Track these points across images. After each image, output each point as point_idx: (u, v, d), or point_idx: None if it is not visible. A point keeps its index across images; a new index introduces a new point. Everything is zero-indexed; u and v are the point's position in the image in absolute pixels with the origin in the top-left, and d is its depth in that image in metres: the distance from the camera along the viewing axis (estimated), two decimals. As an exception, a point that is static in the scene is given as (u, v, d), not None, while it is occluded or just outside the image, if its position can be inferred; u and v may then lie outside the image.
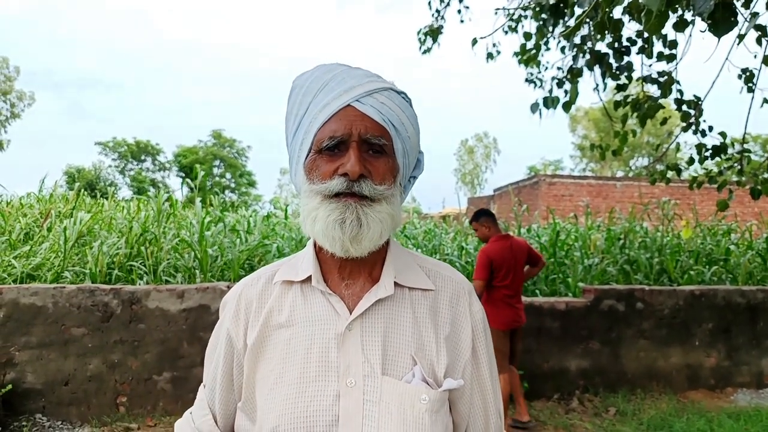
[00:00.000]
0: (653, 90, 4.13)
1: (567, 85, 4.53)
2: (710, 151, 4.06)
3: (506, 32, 5.33)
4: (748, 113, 3.81)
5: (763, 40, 3.44)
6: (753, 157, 4.32)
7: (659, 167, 4.98)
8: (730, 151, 4.09)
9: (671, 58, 4.02)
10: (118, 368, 4.24)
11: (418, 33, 6.00)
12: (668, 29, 3.39)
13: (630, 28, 4.39)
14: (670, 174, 4.55)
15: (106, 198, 8.27)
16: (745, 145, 4.12)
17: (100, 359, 4.22)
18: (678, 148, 4.98)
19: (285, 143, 0.98)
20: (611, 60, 4.25)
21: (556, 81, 4.67)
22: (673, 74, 3.97)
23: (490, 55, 5.62)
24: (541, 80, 5.24)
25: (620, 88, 4.34)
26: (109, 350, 4.23)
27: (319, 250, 0.94)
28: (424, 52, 6.04)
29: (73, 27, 71.41)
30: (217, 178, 37.43)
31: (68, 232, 5.02)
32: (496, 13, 5.28)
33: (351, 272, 0.93)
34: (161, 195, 5.82)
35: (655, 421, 4.50)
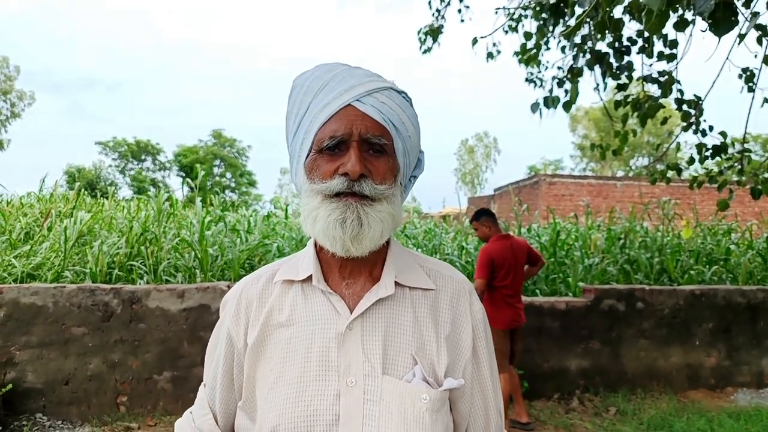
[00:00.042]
0: (654, 90, 4.13)
1: (567, 85, 4.52)
2: (710, 151, 4.06)
3: (506, 32, 5.32)
4: (749, 113, 3.81)
5: (764, 40, 3.44)
6: (753, 156, 4.32)
7: (659, 167, 4.97)
8: (730, 150, 4.09)
9: (672, 57, 4.02)
10: (119, 368, 4.24)
11: (419, 33, 6.00)
12: (669, 29, 3.39)
13: (630, 28, 4.39)
14: (670, 174, 4.55)
15: (107, 198, 8.28)
16: (746, 145, 4.12)
17: (101, 359, 4.22)
18: (678, 148, 4.98)
19: (285, 143, 0.98)
20: (612, 59, 4.24)
21: (556, 80, 4.66)
22: (674, 74, 3.97)
23: (490, 55, 5.61)
24: (541, 80, 5.24)
25: (620, 87, 4.34)
26: (110, 350, 4.23)
27: (319, 250, 0.94)
28: (425, 51, 6.03)
29: (73, 27, 71.50)
30: (217, 178, 37.44)
31: (68, 231, 5.02)
32: (496, 12, 5.28)
33: (352, 272, 0.93)
34: (161, 195, 5.82)
35: (656, 421, 4.50)
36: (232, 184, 38.61)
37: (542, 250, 6.47)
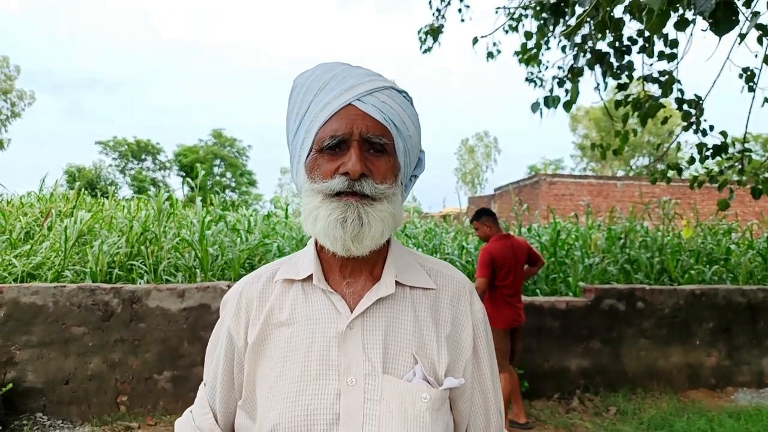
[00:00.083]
0: (654, 89, 4.13)
1: (568, 85, 4.52)
2: (711, 151, 4.05)
3: (507, 31, 5.32)
4: (749, 113, 3.80)
5: (764, 40, 3.43)
6: (754, 156, 4.31)
7: (660, 167, 4.97)
8: (730, 150, 4.08)
9: (672, 57, 4.01)
10: (119, 367, 4.24)
11: (419, 32, 5.99)
12: (669, 28, 3.39)
13: (631, 28, 4.38)
14: (670, 173, 4.55)
15: (107, 197, 8.28)
16: (746, 145, 4.11)
17: (101, 358, 4.22)
18: (679, 148, 4.97)
19: (286, 142, 0.98)
20: (612, 59, 4.24)
21: (556, 80, 4.65)
22: (674, 73, 3.97)
23: (490, 54, 5.61)
24: (541, 79, 5.24)
25: (621, 87, 4.34)
26: (110, 349, 4.23)
27: (320, 249, 0.94)
28: (425, 51, 6.03)
29: (73, 27, 71.52)
30: (217, 178, 37.44)
31: (69, 231, 5.02)
32: (496, 12, 5.27)
33: (352, 271, 0.93)
34: (162, 194, 5.82)
35: (656, 421, 4.50)
36: (233, 184, 38.62)
37: (542, 249, 6.47)
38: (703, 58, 3.16)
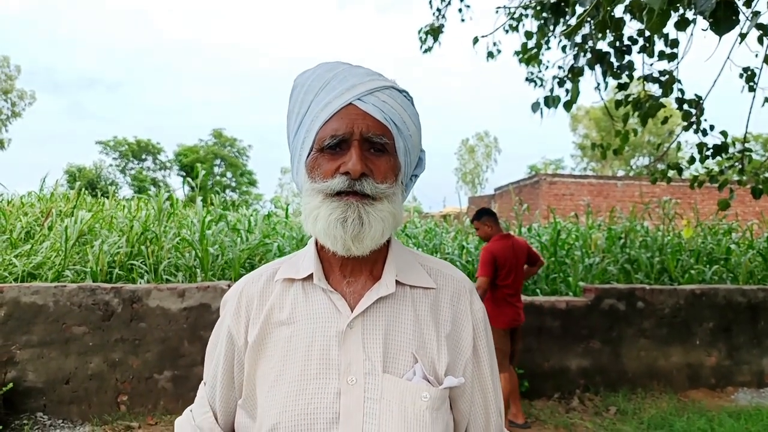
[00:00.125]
0: (654, 89, 4.13)
1: (568, 84, 4.52)
2: (711, 151, 4.05)
3: (507, 31, 5.32)
4: (749, 112, 3.80)
5: (765, 39, 3.43)
6: (754, 156, 4.30)
7: (660, 166, 4.97)
8: (731, 150, 4.08)
9: (672, 57, 4.01)
10: (119, 367, 4.24)
11: (419, 32, 5.99)
12: (669, 28, 3.39)
13: (631, 27, 4.37)
14: (671, 173, 4.55)
15: (107, 197, 8.28)
16: (746, 145, 4.11)
17: (101, 358, 4.22)
18: (679, 147, 4.97)
19: (287, 142, 0.98)
20: (612, 59, 4.24)
21: (557, 80, 4.65)
22: (675, 73, 3.97)
23: (490, 54, 5.61)
24: (541, 79, 5.24)
25: (621, 87, 4.34)
26: (110, 349, 4.23)
27: (320, 248, 0.94)
28: (425, 51, 6.03)
29: (74, 27, 71.50)
30: (217, 177, 37.45)
31: (69, 231, 5.02)
32: (497, 11, 5.27)
33: (352, 270, 0.93)
34: (162, 194, 5.82)
35: (656, 421, 4.50)
36: (233, 184, 38.63)
37: (543, 249, 6.47)
38: (704, 58, 3.16)
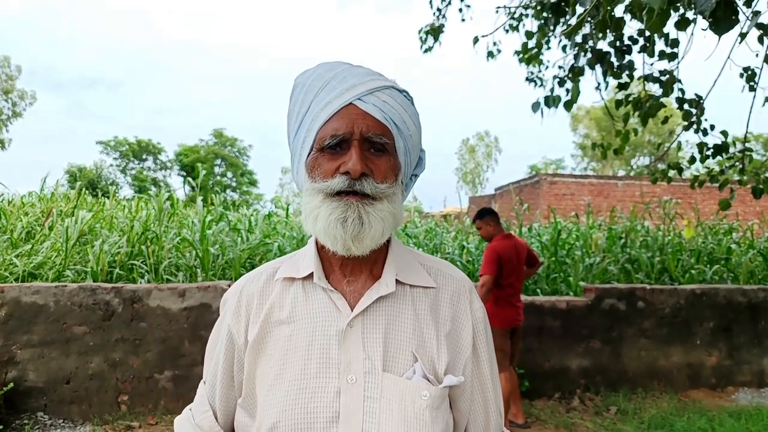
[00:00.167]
0: (655, 89, 4.13)
1: (568, 84, 4.52)
2: (712, 150, 4.05)
3: (507, 31, 5.32)
4: (750, 112, 3.80)
5: (765, 39, 3.43)
6: (754, 156, 4.30)
7: (661, 166, 4.97)
8: (731, 150, 4.08)
9: (673, 56, 4.01)
10: (120, 367, 4.25)
11: (420, 32, 6.00)
12: (670, 28, 3.40)
13: (631, 27, 4.37)
14: (671, 173, 4.55)
15: (108, 197, 8.28)
16: (747, 144, 4.11)
17: (102, 358, 4.22)
18: (679, 147, 4.97)
19: (287, 141, 0.98)
20: (613, 59, 4.24)
21: (557, 80, 4.65)
22: (675, 73, 3.97)
23: (490, 54, 5.61)
24: (541, 79, 5.24)
25: (622, 86, 4.34)
26: (111, 349, 4.24)
27: (320, 248, 0.94)
28: (426, 50, 6.03)
29: (74, 26, 71.56)
30: (218, 177, 37.45)
31: (70, 230, 5.03)
32: (497, 11, 5.27)
33: (353, 270, 0.93)
34: (162, 194, 5.83)
35: (656, 420, 4.50)
36: (233, 184, 38.63)
37: (543, 249, 6.47)
38: (704, 58, 3.16)
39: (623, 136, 4.21)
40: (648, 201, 8.76)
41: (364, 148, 0.86)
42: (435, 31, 5.92)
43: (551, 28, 4.66)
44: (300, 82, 0.94)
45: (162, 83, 76.34)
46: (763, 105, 3.93)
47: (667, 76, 3.99)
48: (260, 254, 5.65)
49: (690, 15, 3.31)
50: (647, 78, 4.14)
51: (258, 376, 0.90)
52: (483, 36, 4.94)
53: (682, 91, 4.05)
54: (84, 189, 7.97)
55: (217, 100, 74.82)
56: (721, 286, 5.61)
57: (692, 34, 3.56)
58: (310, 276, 0.92)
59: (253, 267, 5.30)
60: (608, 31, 3.89)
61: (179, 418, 1.00)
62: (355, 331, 0.87)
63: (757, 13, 2.92)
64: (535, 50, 4.86)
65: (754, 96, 3.79)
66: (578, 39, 4.32)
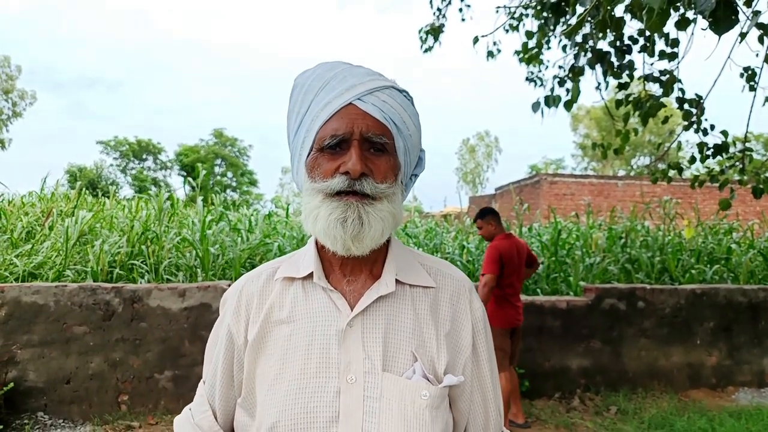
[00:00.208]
0: (655, 89, 4.13)
1: (568, 84, 4.52)
2: (712, 150, 4.05)
3: (507, 31, 5.32)
4: (750, 112, 3.80)
5: (765, 39, 3.43)
6: (755, 155, 4.30)
7: (661, 166, 4.97)
8: (731, 149, 4.08)
9: (673, 56, 4.01)
10: (120, 366, 4.25)
11: (420, 31, 6.00)
12: (670, 27, 3.40)
13: (631, 27, 4.37)
14: (671, 173, 4.55)
15: (108, 197, 8.29)
16: (747, 144, 4.11)
17: (102, 357, 4.22)
18: (679, 147, 4.96)
19: (287, 141, 0.98)
20: (613, 58, 4.24)
21: (557, 80, 4.66)
22: (675, 73, 3.96)
23: (490, 54, 5.61)
24: (541, 79, 5.24)
25: (622, 86, 4.34)
26: (111, 349, 4.24)
27: (320, 248, 0.94)
28: (426, 50, 6.03)
29: (74, 26, 71.54)
30: (218, 177, 37.46)
31: (70, 230, 5.03)
32: (497, 11, 5.27)
33: (353, 269, 0.93)
34: (162, 194, 5.83)
35: (657, 420, 4.50)
36: (234, 184, 38.64)
37: (543, 249, 6.47)
38: (704, 58, 3.16)
39: (623, 136, 4.21)
40: (648, 201, 8.76)
41: (363, 148, 0.86)
42: (435, 31, 5.92)
43: (551, 27, 4.66)
44: (300, 82, 0.94)
45: (162, 83, 76.42)
46: (764, 105, 3.93)
47: (668, 75, 3.98)
48: (260, 254, 5.65)
49: (690, 15, 3.31)
50: (647, 78, 4.14)
51: (258, 376, 0.90)
52: (483, 36, 4.94)
53: (682, 90, 4.05)
54: (84, 189, 7.98)
55: (217, 100, 74.92)
56: (722, 286, 5.61)
57: (692, 33, 3.56)
58: (310, 276, 0.92)
59: (253, 267, 5.30)
60: (608, 30, 3.90)
61: (179, 417, 1.00)
62: (355, 331, 0.87)
63: (757, 13, 2.92)
64: (535, 50, 4.86)
65: (754, 96, 3.79)
66: (578, 39, 4.32)
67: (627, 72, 4.28)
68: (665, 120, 4.40)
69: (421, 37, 5.99)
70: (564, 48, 4.64)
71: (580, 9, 3.75)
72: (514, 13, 5.20)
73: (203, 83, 75.56)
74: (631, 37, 4.21)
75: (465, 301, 0.97)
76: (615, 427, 4.40)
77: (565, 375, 5.06)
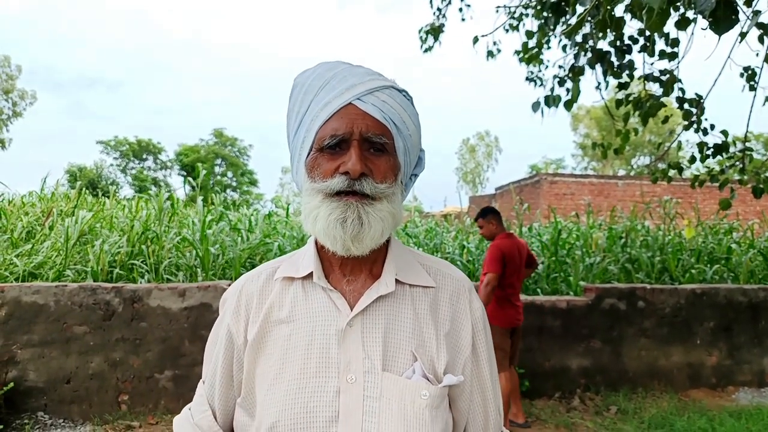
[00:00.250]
0: (655, 88, 4.13)
1: (568, 84, 4.52)
2: (712, 150, 4.05)
3: (507, 30, 5.32)
4: (750, 112, 3.80)
5: (765, 39, 3.43)
6: (755, 155, 4.30)
7: (661, 166, 4.97)
8: (731, 149, 4.08)
9: (673, 56, 4.01)
10: (120, 366, 4.25)
11: (420, 31, 6.00)
12: (670, 27, 3.40)
13: (632, 27, 4.37)
14: (671, 173, 4.55)
15: (108, 197, 8.29)
16: (747, 144, 4.11)
17: (102, 357, 4.23)
18: (680, 147, 4.96)
19: (287, 141, 0.98)
20: (613, 58, 4.24)
21: (557, 79, 4.65)
22: (675, 72, 3.96)
23: (490, 53, 5.61)
24: (541, 79, 5.24)
25: (622, 86, 4.33)
26: (111, 348, 4.24)
27: (320, 248, 0.94)
28: (426, 50, 6.03)
29: (74, 26, 71.56)
30: (218, 177, 37.46)
31: (70, 230, 5.03)
32: (497, 11, 5.27)
33: (352, 269, 0.93)
34: (162, 194, 5.83)
35: (657, 420, 4.50)
36: (234, 183, 38.64)
37: (543, 249, 6.47)
38: (704, 57, 3.16)
39: (623, 136, 4.21)
40: (648, 201, 8.76)
41: (363, 148, 0.86)
42: (435, 31, 5.92)
43: (551, 27, 4.65)
44: (299, 82, 0.93)
45: (162, 83, 76.39)
46: (764, 104, 3.93)
47: (668, 75, 3.98)
48: (260, 254, 5.65)
49: (690, 14, 3.31)
50: (647, 77, 4.14)
51: (257, 376, 0.90)
52: (483, 36, 4.94)
53: (682, 90, 4.05)
54: (84, 189, 7.98)
55: (217, 100, 74.91)
56: (722, 286, 5.61)
57: (692, 33, 3.56)
58: (310, 275, 0.92)
59: (253, 267, 5.30)
60: (608, 30, 3.90)
61: (178, 417, 1.00)
62: (355, 331, 0.87)
63: (757, 13, 2.92)
64: (536, 50, 4.85)
65: (755, 95, 3.79)
66: (578, 38, 4.32)
67: (627, 72, 4.28)
68: (665, 120, 4.40)
69: (421, 37, 5.99)
70: (564, 48, 4.64)
71: (580, 9, 3.75)
72: (514, 12, 5.20)
73: (203, 83, 75.64)
74: (631, 37, 4.21)
75: (465, 300, 0.97)
76: (615, 426, 4.40)
77: (565, 375, 5.06)
